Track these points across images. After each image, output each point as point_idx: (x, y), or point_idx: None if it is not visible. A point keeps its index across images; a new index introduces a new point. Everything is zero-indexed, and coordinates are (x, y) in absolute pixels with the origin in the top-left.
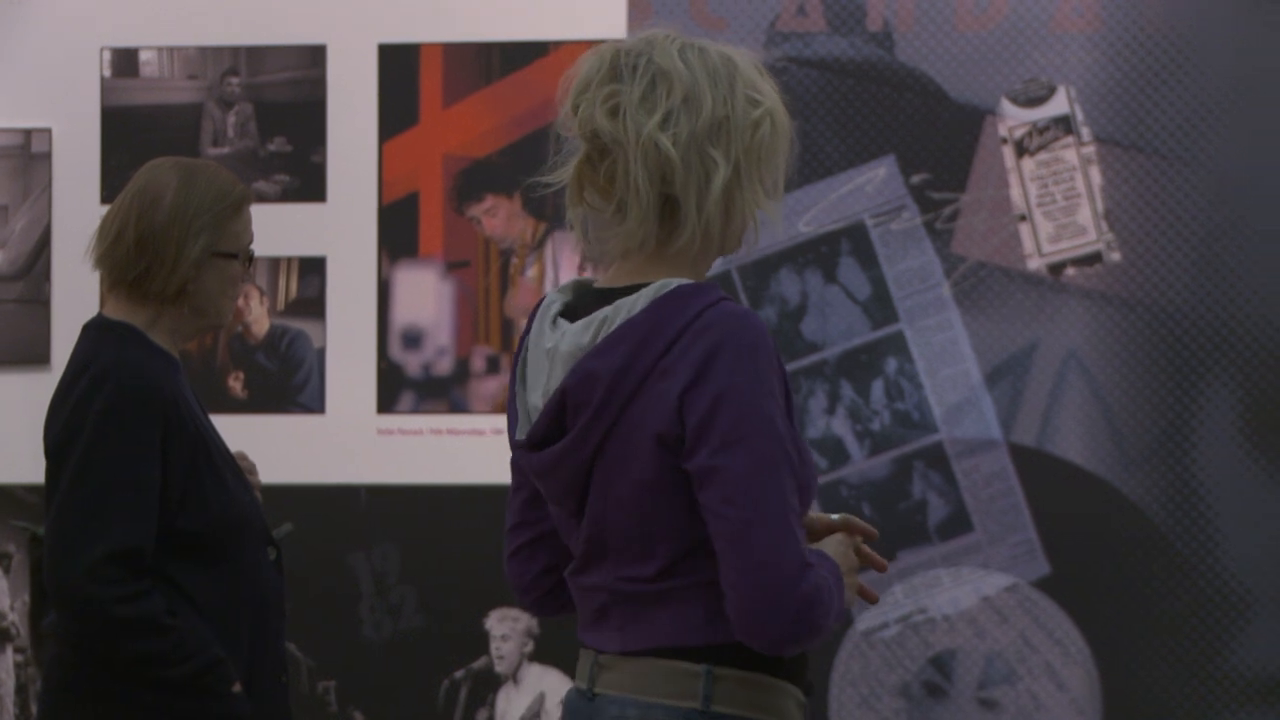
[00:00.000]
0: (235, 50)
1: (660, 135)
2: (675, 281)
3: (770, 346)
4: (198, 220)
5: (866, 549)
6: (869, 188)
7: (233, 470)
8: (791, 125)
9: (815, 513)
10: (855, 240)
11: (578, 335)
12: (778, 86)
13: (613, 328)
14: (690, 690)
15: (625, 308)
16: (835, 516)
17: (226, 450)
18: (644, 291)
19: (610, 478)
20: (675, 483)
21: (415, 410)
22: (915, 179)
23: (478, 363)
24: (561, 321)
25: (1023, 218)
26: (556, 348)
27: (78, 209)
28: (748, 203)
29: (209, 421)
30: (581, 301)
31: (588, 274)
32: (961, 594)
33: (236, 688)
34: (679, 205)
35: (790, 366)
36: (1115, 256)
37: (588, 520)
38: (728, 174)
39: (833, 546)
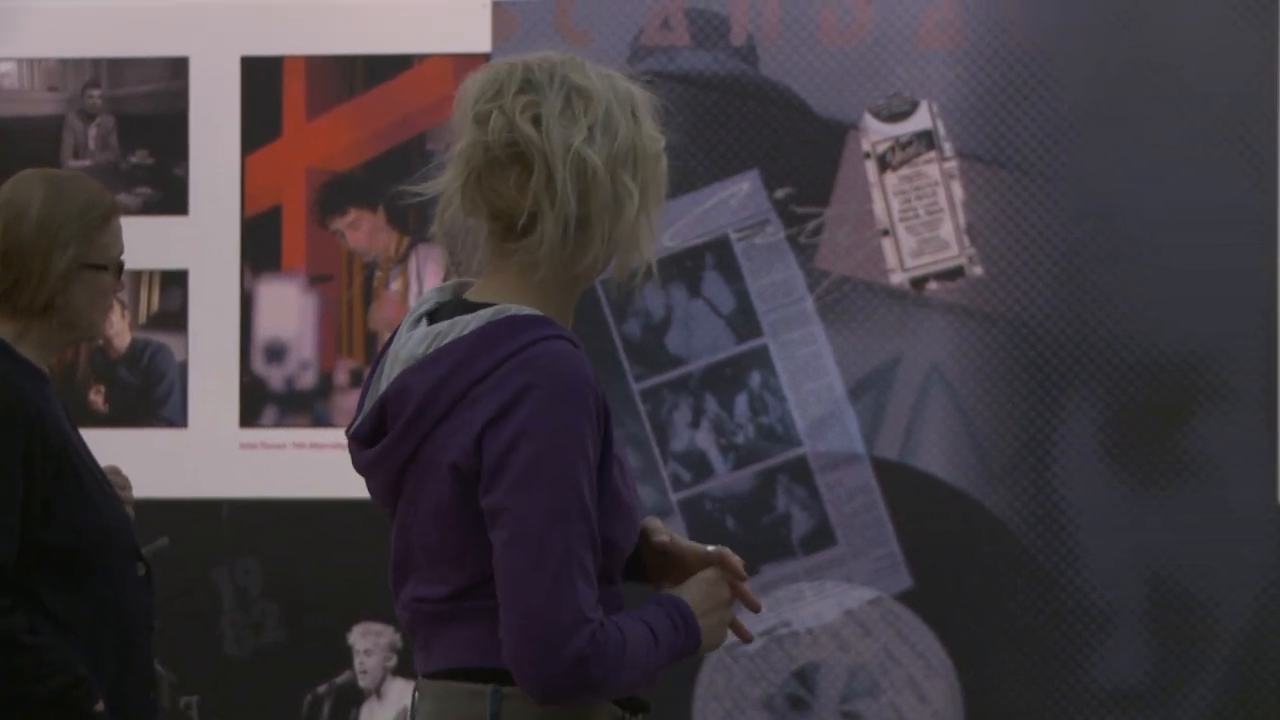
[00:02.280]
0: (97, 62)
1: (587, 150)
2: (514, 309)
3: (587, 394)
4: (65, 232)
5: (741, 586)
6: (733, 202)
7: (101, 485)
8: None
9: (689, 543)
10: (719, 254)
11: (415, 344)
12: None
13: (442, 344)
14: (478, 711)
15: (459, 326)
16: (711, 549)
17: (96, 465)
18: (481, 313)
19: (415, 494)
20: (470, 513)
21: (278, 424)
22: (779, 193)
23: (341, 376)
24: (423, 323)
25: (886, 232)
26: (398, 351)
27: None
28: (644, 237)
29: (78, 436)
30: (448, 307)
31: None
32: (825, 607)
33: (99, 707)
34: (588, 226)
35: (654, 380)
36: (977, 271)
37: (396, 531)
38: (637, 203)
39: (698, 585)
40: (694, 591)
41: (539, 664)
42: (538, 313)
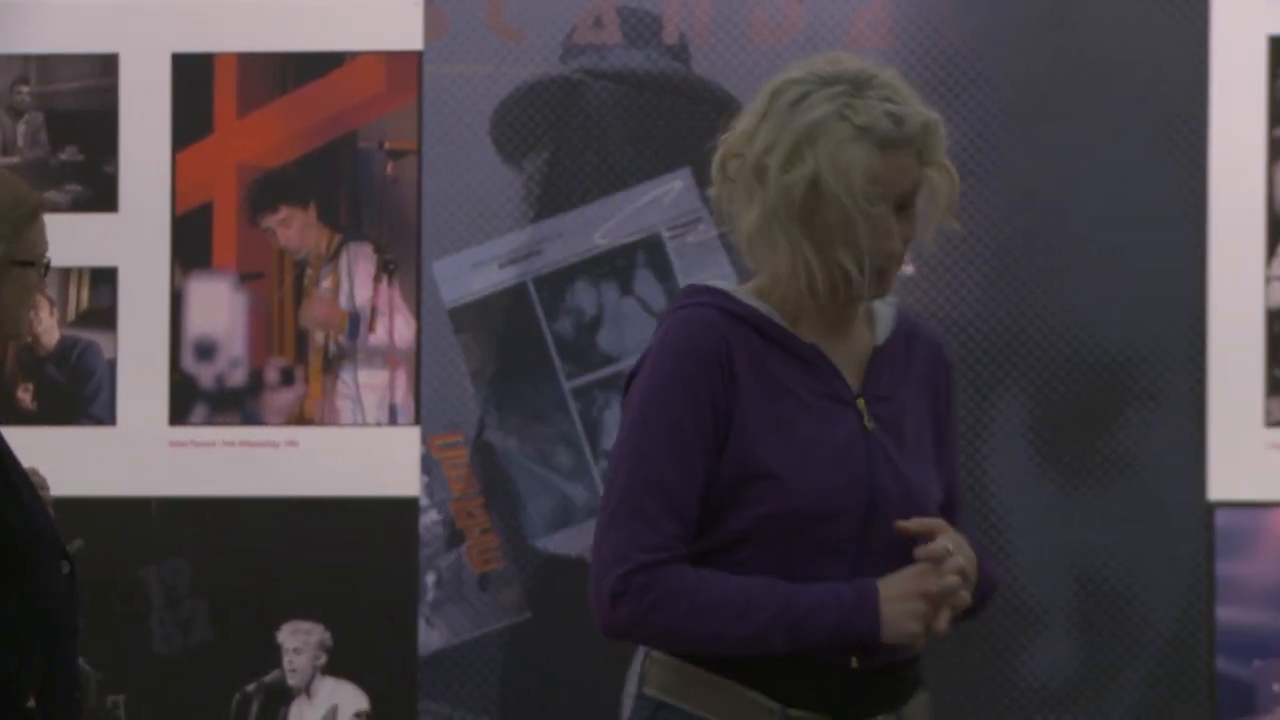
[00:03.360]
0: (25, 58)
1: None
2: (694, 283)
3: (698, 356)
4: None
5: (943, 587)
6: (665, 200)
7: (28, 484)
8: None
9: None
10: (651, 253)
11: None
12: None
13: None
14: (640, 670)
15: None
16: (925, 547)
17: (19, 464)
18: None
19: None
20: None
21: (208, 422)
22: (711, 192)
23: (271, 374)
24: None
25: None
26: None
27: None
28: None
29: (1, 435)
30: None
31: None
32: None
33: (30, 703)
34: None
35: (586, 379)
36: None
37: None
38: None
39: (901, 573)
40: (894, 578)
41: (591, 599)
42: (707, 284)
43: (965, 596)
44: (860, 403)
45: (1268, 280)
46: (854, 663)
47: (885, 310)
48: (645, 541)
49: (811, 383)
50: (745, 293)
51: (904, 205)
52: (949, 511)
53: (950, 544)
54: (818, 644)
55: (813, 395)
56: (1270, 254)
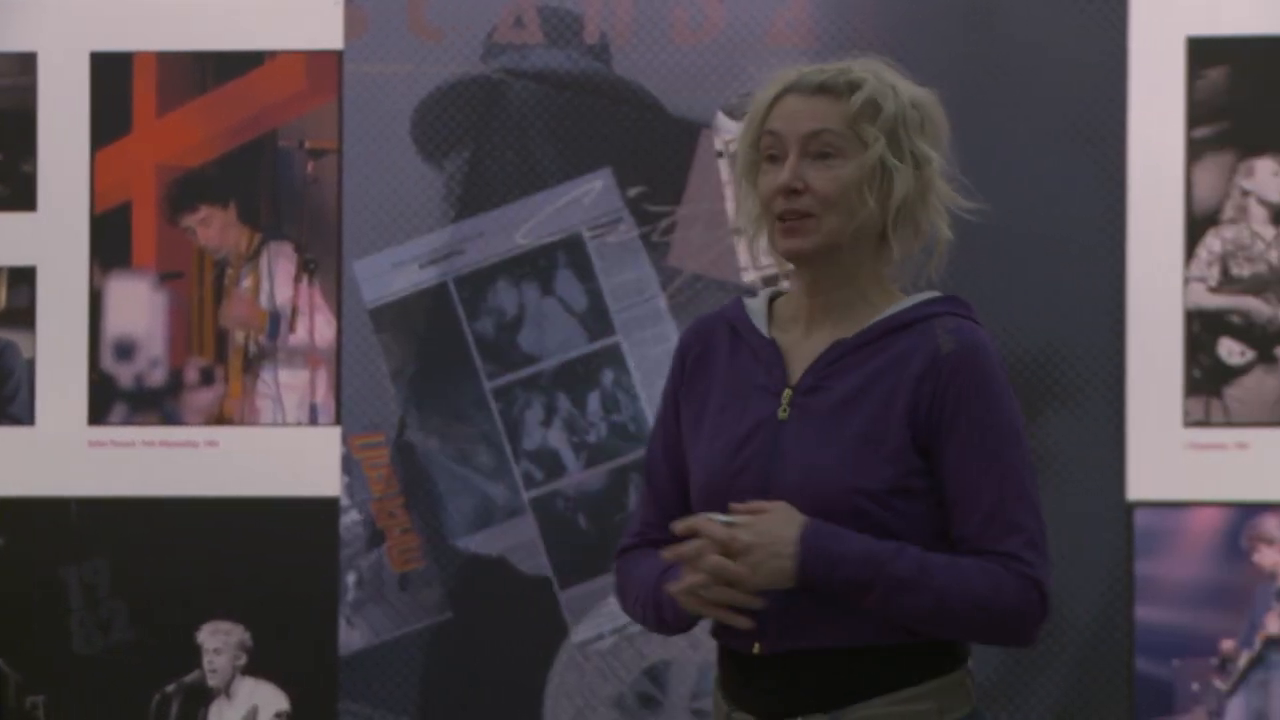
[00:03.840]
0: None
1: None
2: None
3: (675, 355)
4: None
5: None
6: (586, 200)
7: None
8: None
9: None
10: (572, 252)
11: None
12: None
13: None
14: None
15: None
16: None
17: None
18: None
19: None
20: None
21: (127, 422)
22: (632, 192)
23: (191, 374)
24: None
25: (738, 231)
26: None
27: None
28: None
29: None
30: None
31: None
32: None
33: None
34: None
35: (506, 379)
36: None
37: None
38: None
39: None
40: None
41: None
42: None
43: (706, 564)
44: (786, 393)
45: (1186, 281)
46: (755, 648)
47: (903, 305)
48: (629, 528)
49: (757, 375)
50: (769, 293)
51: (814, 153)
52: (970, 517)
53: (732, 519)
54: (671, 622)
55: (751, 387)
56: (1188, 255)
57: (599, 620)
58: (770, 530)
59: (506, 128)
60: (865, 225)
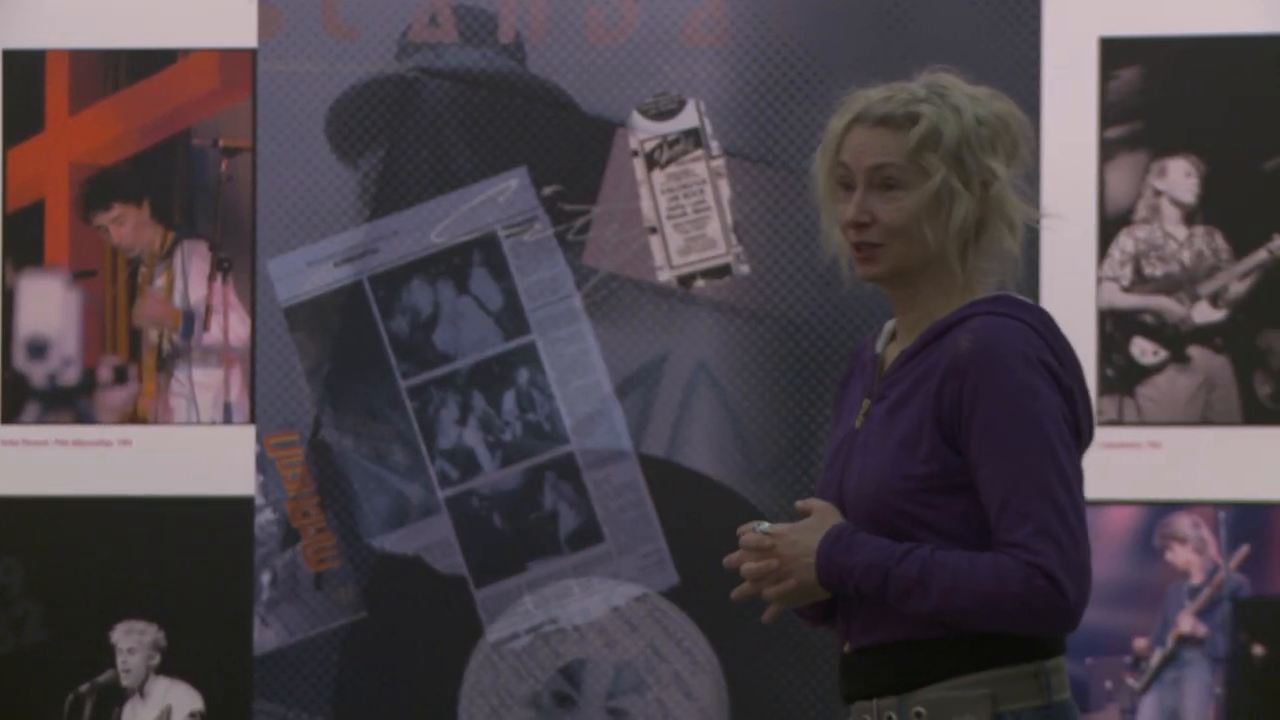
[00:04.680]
0: None
1: None
2: None
3: (849, 358)
4: None
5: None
6: (501, 199)
7: None
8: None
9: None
10: (487, 251)
11: None
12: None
13: None
14: None
15: None
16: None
17: None
18: None
19: None
20: None
21: (40, 421)
22: (547, 191)
23: (105, 373)
24: None
25: (653, 230)
26: None
27: None
28: None
29: None
30: None
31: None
32: (592, 604)
33: None
34: None
35: (421, 377)
36: (744, 269)
37: None
38: None
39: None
40: None
41: None
42: None
43: (746, 570)
44: (865, 404)
45: (1099, 280)
46: (846, 647)
47: (950, 309)
48: None
49: (861, 389)
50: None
51: (879, 184)
52: (990, 510)
53: (770, 527)
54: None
55: (854, 400)
56: (1101, 255)
57: (514, 619)
58: (797, 542)
59: (421, 127)
60: (934, 248)
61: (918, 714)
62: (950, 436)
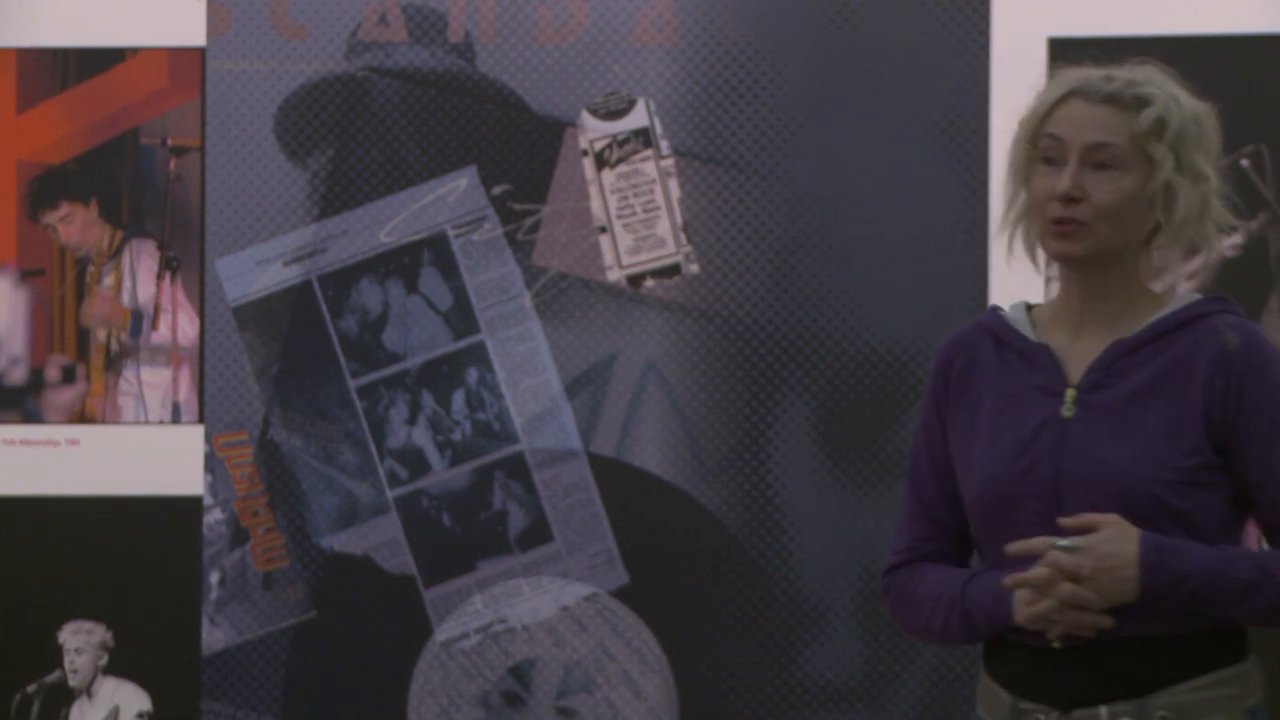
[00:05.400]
0: None
1: None
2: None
3: (933, 368)
4: None
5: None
6: (450, 199)
7: None
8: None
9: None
10: (437, 251)
11: None
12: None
13: None
14: None
15: None
16: (1044, 541)
17: None
18: None
19: None
20: None
21: None
22: (496, 190)
23: (53, 372)
24: None
25: (603, 229)
26: None
27: None
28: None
29: None
30: None
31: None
32: (541, 604)
33: None
34: None
35: (371, 377)
36: (694, 269)
37: None
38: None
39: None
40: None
41: None
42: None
43: (1058, 592)
44: (1069, 392)
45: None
46: (1055, 643)
47: (1177, 304)
48: (896, 544)
49: (1032, 378)
50: (1029, 303)
51: (1095, 162)
52: (1266, 505)
53: (1072, 542)
54: (984, 631)
55: (1026, 389)
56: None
57: (463, 619)
58: (1112, 552)
59: (370, 126)
60: (1134, 237)
61: (1162, 719)
62: (1215, 432)
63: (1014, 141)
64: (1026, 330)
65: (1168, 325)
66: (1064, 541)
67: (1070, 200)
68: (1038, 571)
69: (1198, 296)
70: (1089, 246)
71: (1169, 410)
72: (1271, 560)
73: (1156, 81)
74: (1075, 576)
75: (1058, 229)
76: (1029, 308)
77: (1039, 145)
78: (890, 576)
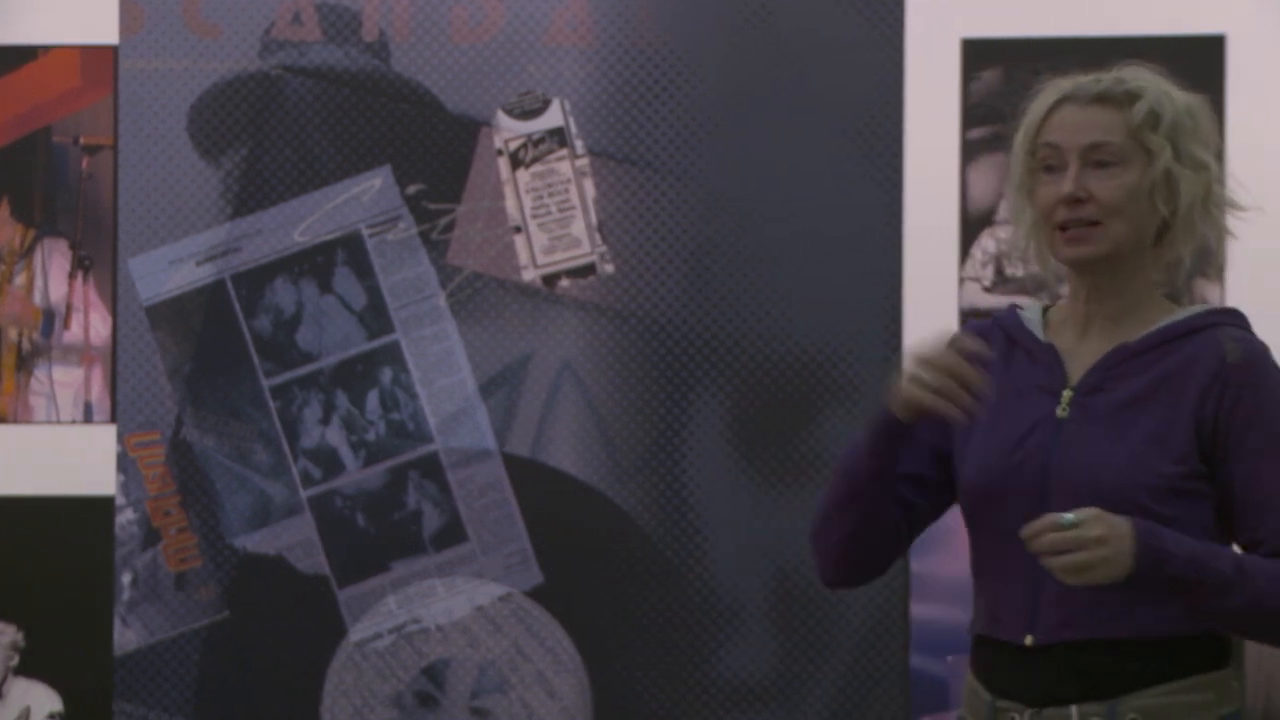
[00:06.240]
0: None
1: None
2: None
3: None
4: None
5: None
6: (365, 198)
7: None
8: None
9: None
10: (351, 250)
11: None
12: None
13: None
14: None
15: None
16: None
17: None
18: None
19: None
20: None
21: None
22: (411, 190)
23: None
24: None
25: (518, 229)
26: None
27: None
28: None
29: None
30: None
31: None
32: (455, 604)
33: None
34: None
35: (285, 376)
36: (609, 269)
37: None
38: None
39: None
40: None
41: None
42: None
43: (1057, 559)
44: (1066, 393)
45: (961, 281)
46: (1028, 640)
47: (1184, 313)
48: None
49: (1035, 376)
50: (1042, 302)
51: (1094, 162)
52: (1266, 519)
53: (1078, 515)
54: (865, 454)
55: (1028, 387)
56: (963, 255)
57: (377, 619)
58: (1115, 524)
59: (284, 125)
60: (1147, 233)
61: None
62: (1205, 443)
63: (1013, 157)
64: (1037, 329)
65: (1172, 333)
66: (1069, 515)
67: (1076, 202)
68: (1041, 542)
69: (1207, 306)
70: (1103, 247)
71: (1162, 417)
72: (1253, 563)
73: (1145, 77)
74: (1079, 546)
75: (1067, 234)
76: (1046, 308)
77: (1038, 156)
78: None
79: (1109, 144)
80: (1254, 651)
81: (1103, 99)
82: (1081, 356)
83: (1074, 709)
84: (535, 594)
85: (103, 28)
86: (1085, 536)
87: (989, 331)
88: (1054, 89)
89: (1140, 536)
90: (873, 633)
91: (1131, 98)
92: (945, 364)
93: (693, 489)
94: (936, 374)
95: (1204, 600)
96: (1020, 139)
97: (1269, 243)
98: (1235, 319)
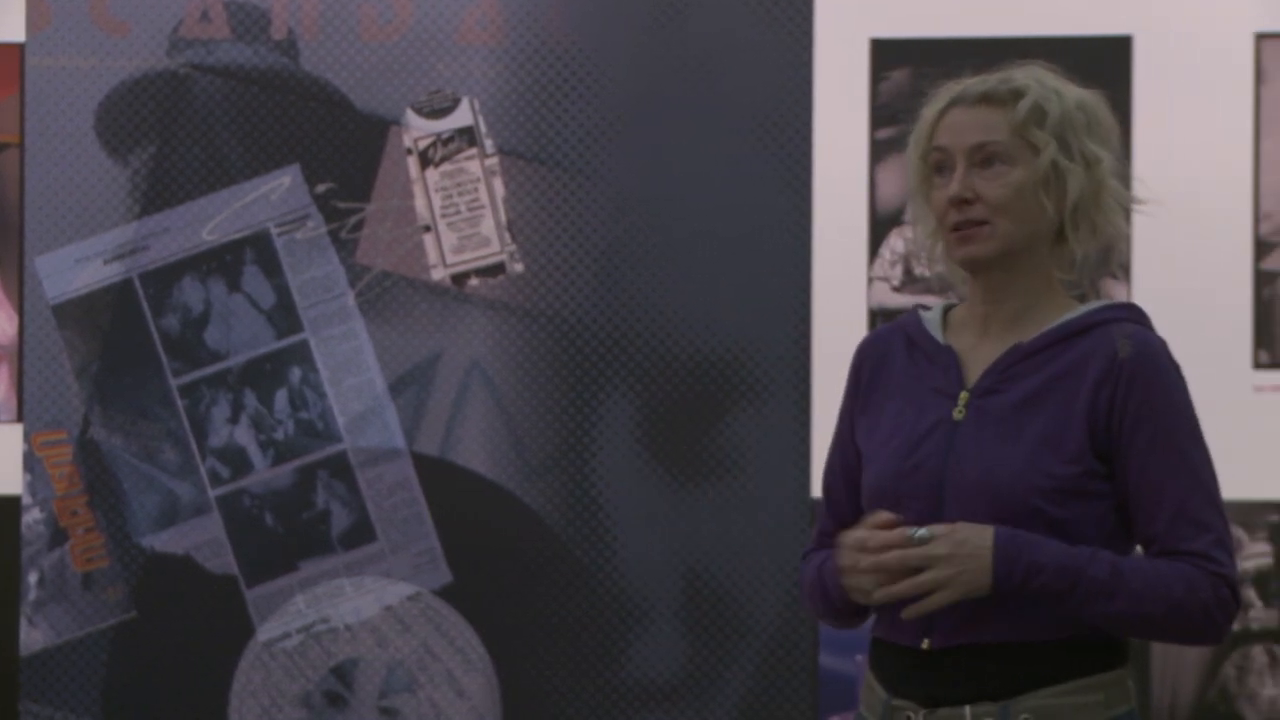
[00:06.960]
0: None
1: None
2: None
3: (855, 362)
4: None
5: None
6: (273, 197)
7: None
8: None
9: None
10: (259, 249)
11: None
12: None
13: None
14: None
15: None
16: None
17: None
18: None
19: None
20: None
21: None
22: (320, 188)
23: None
24: None
25: (427, 228)
26: None
27: None
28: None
29: None
30: None
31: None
32: (364, 603)
33: None
34: None
35: (192, 376)
36: (518, 268)
37: None
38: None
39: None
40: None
41: None
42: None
43: (866, 582)
44: (963, 395)
45: (870, 280)
46: (925, 644)
47: (1079, 311)
48: (813, 533)
49: (934, 379)
50: (944, 305)
51: (981, 162)
52: (1157, 517)
53: (929, 530)
54: (845, 609)
55: (927, 390)
56: (872, 255)
57: (286, 619)
58: (968, 539)
59: (193, 123)
60: (1040, 230)
61: None
62: (1099, 441)
63: (908, 164)
64: (936, 331)
65: (1066, 331)
66: (921, 530)
67: (964, 203)
68: (890, 555)
69: (1104, 303)
70: (993, 246)
71: (1055, 417)
72: (1130, 566)
73: (1035, 75)
74: (928, 564)
75: (958, 235)
76: (947, 309)
77: (930, 160)
78: (801, 563)
79: (994, 143)
80: (1159, 650)
81: (988, 99)
82: (980, 358)
83: (968, 709)
84: (444, 593)
85: (9, 24)
86: (932, 555)
87: (890, 337)
88: (945, 92)
89: (1002, 548)
90: (782, 632)
91: (1016, 95)
92: (878, 542)
93: (602, 488)
94: (869, 556)
95: (1082, 607)
96: (914, 143)
97: (1176, 240)
98: (1133, 314)
